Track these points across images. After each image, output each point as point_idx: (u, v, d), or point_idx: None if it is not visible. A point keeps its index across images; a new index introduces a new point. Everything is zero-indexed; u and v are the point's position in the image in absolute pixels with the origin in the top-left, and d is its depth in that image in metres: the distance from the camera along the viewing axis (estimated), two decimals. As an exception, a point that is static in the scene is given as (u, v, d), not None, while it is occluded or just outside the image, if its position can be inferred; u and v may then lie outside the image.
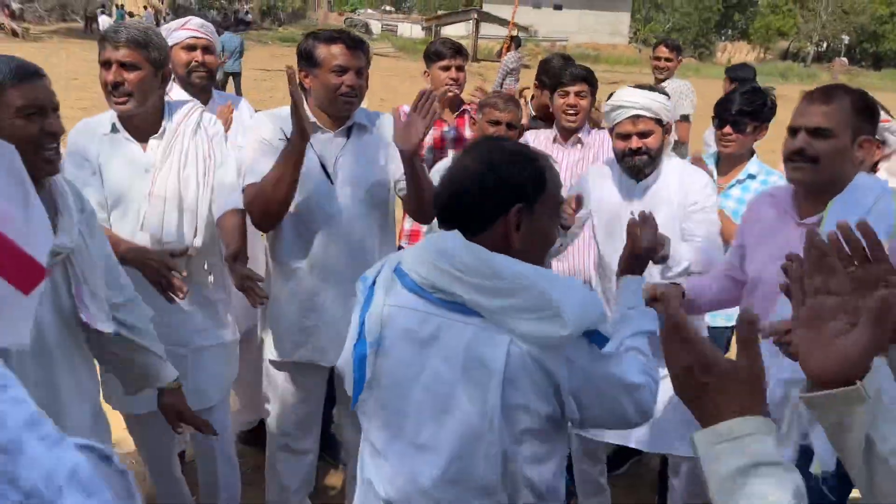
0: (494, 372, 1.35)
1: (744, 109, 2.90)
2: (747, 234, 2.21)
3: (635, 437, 2.56)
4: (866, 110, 1.91)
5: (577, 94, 3.19)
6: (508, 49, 13.35)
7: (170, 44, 2.77)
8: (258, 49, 29.92)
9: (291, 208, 2.36)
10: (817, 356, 0.99)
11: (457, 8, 54.84)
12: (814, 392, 0.98)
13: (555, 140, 3.28)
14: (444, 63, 3.40)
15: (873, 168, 2.67)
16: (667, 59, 5.17)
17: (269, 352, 2.59)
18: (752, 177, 2.96)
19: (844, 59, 48.82)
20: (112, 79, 2.23)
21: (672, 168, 2.60)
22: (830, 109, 1.89)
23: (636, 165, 2.57)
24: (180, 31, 2.98)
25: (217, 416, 2.48)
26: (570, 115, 3.20)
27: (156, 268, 2.14)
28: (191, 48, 2.97)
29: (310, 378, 2.60)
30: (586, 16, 50.83)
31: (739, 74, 5.23)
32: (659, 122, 2.53)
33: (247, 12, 41.44)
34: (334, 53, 2.34)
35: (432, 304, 1.42)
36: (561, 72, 3.29)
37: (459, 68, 3.40)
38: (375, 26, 47.49)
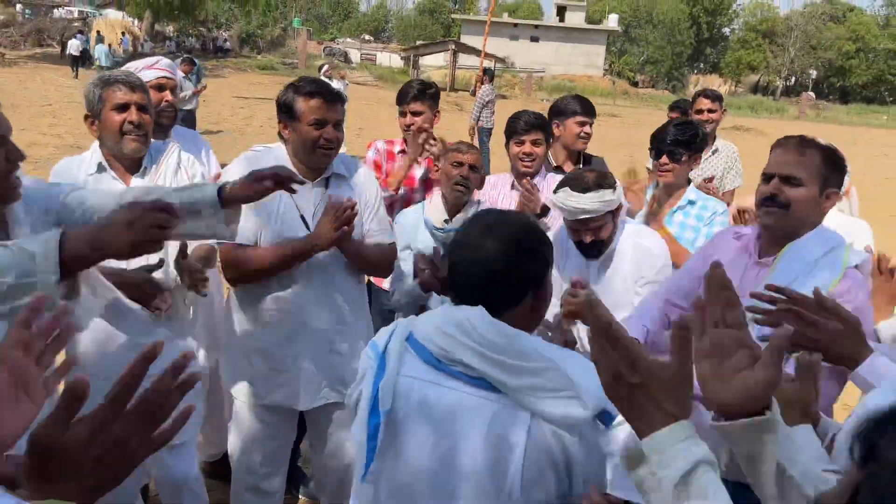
0: (516, 447, 1.35)
1: (678, 140, 3.05)
2: (715, 254, 2.25)
3: None
4: (835, 165, 2.01)
5: (533, 142, 3.24)
6: (481, 83, 13.53)
7: None
8: (237, 77, 30.01)
9: None
10: (720, 388, 1.05)
11: (435, 38, 55.61)
12: (721, 422, 1.05)
13: (513, 186, 3.31)
14: (401, 108, 3.46)
15: None
16: (710, 111, 4.67)
17: (240, 394, 2.58)
18: (691, 203, 3.09)
19: (812, 94, 50.13)
20: (136, 119, 2.35)
21: (627, 236, 2.63)
22: (804, 160, 1.99)
23: (587, 252, 2.61)
24: (149, 71, 3.00)
25: (187, 453, 2.46)
26: (527, 162, 3.24)
27: (135, 283, 2.15)
28: (160, 88, 3.01)
29: (280, 417, 2.59)
30: (563, 48, 51.75)
31: (680, 104, 5.60)
32: (610, 212, 2.53)
33: (225, 40, 41.58)
34: (313, 107, 2.38)
35: (450, 377, 1.41)
36: (516, 121, 3.32)
37: (415, 113, 3.41)
38: (354, 55, 47.86)
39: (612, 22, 53.72)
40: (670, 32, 59.06)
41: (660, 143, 3.07)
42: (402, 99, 3.48)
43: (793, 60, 59.85)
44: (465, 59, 38.42)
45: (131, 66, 2.99)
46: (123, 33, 34.76)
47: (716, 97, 4.73)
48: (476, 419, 1.38)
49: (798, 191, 1.98)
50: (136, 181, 2.42)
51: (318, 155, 2.42)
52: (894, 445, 0.58)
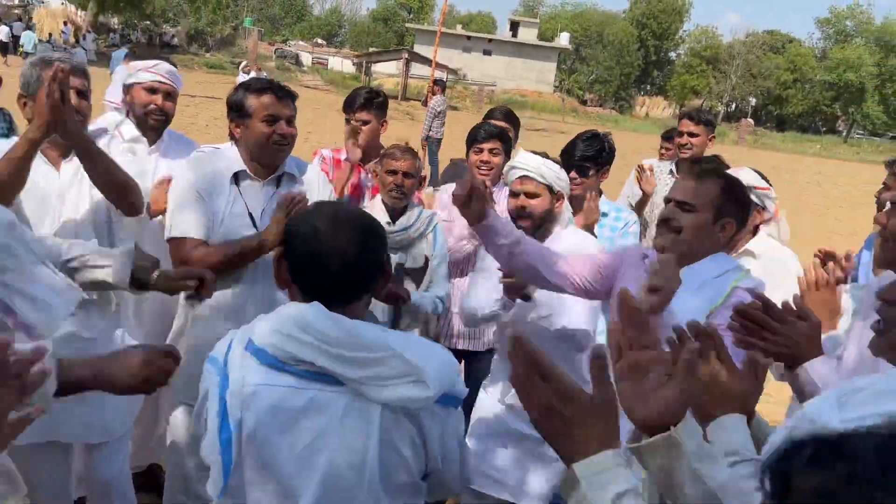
0: (370, 437, 1.38)
1: (586, 155, 3.13)
2: (622, 266, 2.28)
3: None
4: (733, 195, 2.05)
5: (491, 150, 3.29)
6: (433, 93, 13.56)
7: (131, 81, 2.96)
8: (183, 74, 29.28)
9: None
10: (640, 406, 1.11)
11: (388, 46, 55.62)
12: (635, 443, 1.11)
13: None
14: (347, 116, 3.46)
15: (754, 231, 2.87)
16: (690, 135, 4.04)
17: (175, 394, 2.53)
18: (605, 214, 3.19)
19: (751, 121, 52.00)
20: (75, 103, 2.29)
21: (567, 235, 2.70)
22: (700, 188, 2.03)
23: (521, 228, 2.63)
24: (145, 73, 3.01)
25: (116, 452, 2.37)
26: (483, 171, 3.29)
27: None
28: (152, 91, 3.00)
29: None
30: (514, 63, 52.39)
31: (673, 134, 5.22)
32: (549, 189, 2.63)
33: (173, 36, 40.71)
34: (265, 103, 2.39)
35: (296, 377, 1.41)
36: (477, 130, 3.37)
37: (364, 122, 3.42)
38: (306, 58, 47.46)
39: (563, 40, 54.66)
40: (619, 53, 60.47)
41: (569, 158, 3.13)
42: (349, 106, 3.47)
43: (734, 87, 61.99)
44: (417, 69, 38.49)
45: (132, 65, 3.06)
46: (65, 23, 33.68)
47: (701, 121, 4.08)
48: (328, 414, 1.40)
49: (690, 217, 2.01)
50: (66, 166, 2.38)
51: (273, 151, 2.42)
52: (809, 474, 0.56)
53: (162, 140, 3.08)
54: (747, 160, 4.23)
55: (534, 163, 2.64)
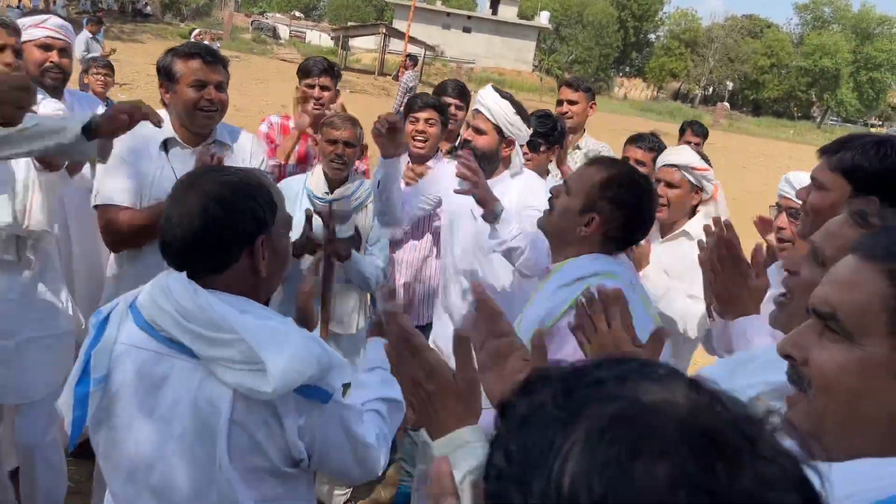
0: (222, 412, 1.33)
1: (537, 131, 3.13)
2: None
3: None
4: (612, 192, 1.85)
5: (426, 121, 3.24)
6: (405, 68, 13.47)
7: (23, 39, 2.73)
8: (156, 44, 28.73)
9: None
10: (501, 390, 1.15)
11: (367, 21, 54.92)
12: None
13: (407, 164, 3.33)
14: (308, 81, 3.40)
15: (692, 212, 2.89)
16: (570, 102, 3.91)
17: None
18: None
19: (727, 104, 52.33)
20: (10, 61, 2.32)
21: (517, 181, 2.76)
22: (583, 172, 1.94)
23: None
24: (36, 29, 2.86)
25: (38, 415, 2.35)
26: (419, 141, 3.26)
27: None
28: (46, 48, 2.88)
29: None
30: (493, 41, 52.05)
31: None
32: (499, 130, 2.70)
33: (146, 4, 39.79)
34: (192, 68, 2.35)
35: (162, 343, 1.38)
36: (414, 99, 3.33)
37: (324, 87, 3.40)
38: (283, 31, 46.71)
39: (543, 19, 54.35)
40: (599, 34, 60.30)
41: None
42: (306, 73, 3.43)
43: (712, 71, 62.22)
44: (396, 44, 38.10)
45: (22, 22, 2.85)
46: (34, -12, 32.72)
47: (580, 88, 3.94)
48: (184, 386, 1.37)
49: (563, 199, 1.90)
50: None
51: (199, 117, 2.39)
52: (518, 403, 0.57)
53: (64, 100, 2.96)
54: (722, 143, 4.34)
55: (490, 100, 2.68)
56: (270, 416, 1.35)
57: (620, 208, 1.84)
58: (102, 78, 7.02)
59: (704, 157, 2.92)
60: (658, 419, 0.50)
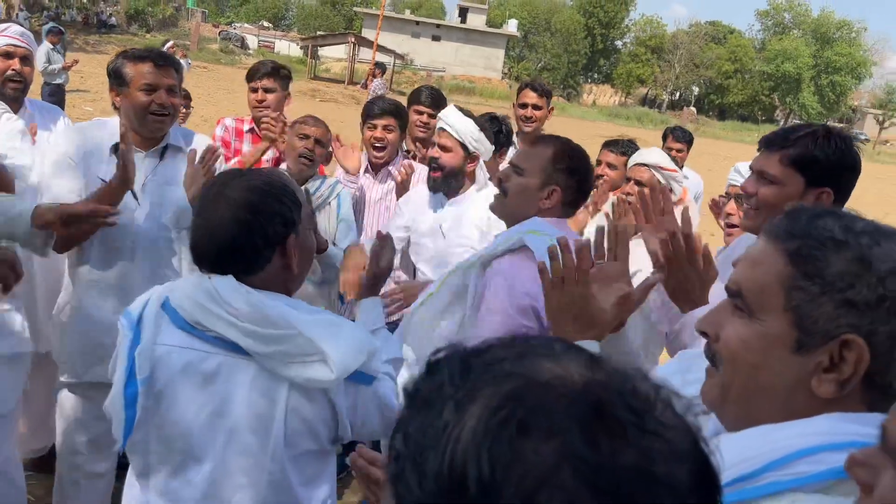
0: (278, 403, 1.41)
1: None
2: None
3: None
4: (565, 164, 1.99)
5: (385, 127, 3.23)
6: (373, 76, 13.49)
7: None
8: (121, 54, 28.40)
9: None
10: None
11: (336, 30, 54.86)
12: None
13: (366, 170, 3.35)
14: (252, 84, 3.40)
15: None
16: (535, 107, 3.97)
17: (63, 372, 2.49)
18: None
19: (693, 109, 53.15)
20: None
21: (483, 194, 2.77)
22: (532, 152, 2.04)
23: (433, 180, 2.82)
24: None
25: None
26: (377, 147, 3.25)
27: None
28: (7, 56, 2.86)
29: (105, 396, 2.50)
30: (463, 49, 52.32)
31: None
32: (464, 147, 2.77)
33: (111, 15, 39.33)
34: (142, 72, 2.32)
35: (208, 342, 1.43)
36: (371, 105, 3.33)
37: (267, 89, 3.38)
38: (252, 41, 46.50)
39: (511, 27, 54.79)
40: (566, 41, 60.92)
41: None
42: (252, 75, 3.42)
43: (678, 76, 63.17)
44: (365, 53, 38.11)
45: None
46: (-5, -1, 32.18)
47: (544, 92, 3.97)
48: (238, 380, 1.43)
49: (518, 180, 2.00)
50: None
51: (150, 122, 2.36)
52: (422, 383, 0.57)
53: (25, 109, 2.94)
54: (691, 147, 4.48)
55: (453, 118, 2.76)
56: (324, 400, 1.44)
57: (574, 175, 2.00)
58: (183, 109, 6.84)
59: (674, 160, 2.98)
60: (549, 396, 0.50)
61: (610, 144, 3.49)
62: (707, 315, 1.00)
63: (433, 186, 2.86)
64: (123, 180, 2.15)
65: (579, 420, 0.48)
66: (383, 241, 1.96)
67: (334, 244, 2.88)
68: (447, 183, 2.79)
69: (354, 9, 63.42)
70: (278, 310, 1.40)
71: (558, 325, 1.44)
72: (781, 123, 62.70)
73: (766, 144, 1.77)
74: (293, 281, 1.54)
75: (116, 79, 2.36)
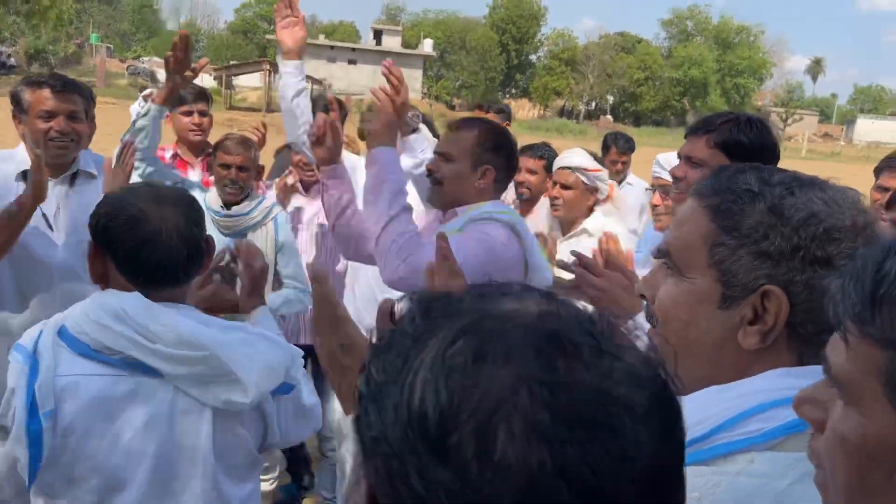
0: (204, 419, 1.38)
1: None
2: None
3: None
4: (490, 143, 2.08)
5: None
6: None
7: None
8: (22, 95, 27.16)
9: (10, 261, 2.23)
10: None
11: (250, 58, 54.06)
12: None
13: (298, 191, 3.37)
14: (185, 108, 3.36)
15: (588, 212, 3.00)
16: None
17: None
18: None
19: (609, 117, 54.76)
20: None
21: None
22: (457, 137, 2.11)
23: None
24: None
25: None
26: (308, 172, 3.20)
27: None
28: None
29: None
30: (380, 71, 52.27)
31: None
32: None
33: (9, 55, 37.60)
34: (41, 97, 2.27)
35: (115, 366, 1.36)
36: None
37: (202, 113, 3.38)
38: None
39: (427, 47, 55.27)
40: (482, 58, 61.94)
41: None
42: (183, 100, 3.35)
43: (592, 87, 65.04)
44: (281, 81, 37.57)
45: None
46: None
47: (499, 110, 4.09)
48: (155, 402, 1.37)
49: (449, 167, 2.07)
50: None
51: (52, 149, 2.25)
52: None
53: None
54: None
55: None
56: (256, 415, 1.46)
57: (501, 152, 2.10)
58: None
59: (598, 159, 3.13)
60: (505, 326, 0.51)
61: (526, 150, 3.50)
62: (645, 278, 1.03)
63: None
64: (37, 194, 2.02)
65: (535, 345, 0.49)
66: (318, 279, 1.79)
67: (276, 271, 2.84)
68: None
69: (267, 36, 62.80)
70: (190, 328, 1.35)
71: None
72: (693, 126, 65.26)
73: (693, 131, 1.87)
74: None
75: (17, 105, 2.29)
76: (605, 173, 3.06)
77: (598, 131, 46.06)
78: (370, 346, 0.57)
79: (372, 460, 0.51)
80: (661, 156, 2.76)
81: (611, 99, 66.47)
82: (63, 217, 2.33)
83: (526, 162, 3.46)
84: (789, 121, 60.74)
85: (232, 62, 49.11)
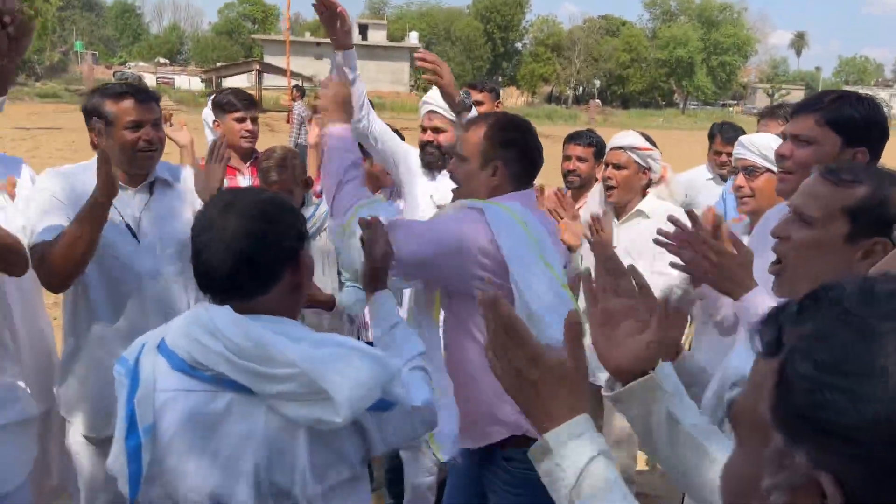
0: (300, 436, 1.31)
1: None
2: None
3: None
4: (499, 138, 2.04)
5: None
6: (293, 100, 13.28)
7: None
8: (14, 106, 27.16)
9: (99, 270, 2.23)
10: (615, 354, 1.13)
11: (236, 59, 53.91)
12: (615, 390, 1.13)
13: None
14: (238, 115, 3.41)
15: (643, 193, 3.00)
16: (477, 103, 3.99)
17: (78, 429, 2.36)
18: None
19: (598, 101, 54.82)
20: None
21: None
22: (466, 136, 2.10)
23: (428, 159, 2.97)
24: None
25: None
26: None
27: None
28: None
29: None
30: (367, 66, 52.25)
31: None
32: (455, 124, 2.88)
33: (-4, 67, 37.43)
34: (126, 108, 2.25)
35: (210, 383, 1.33)
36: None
37: (254, 120, 3.44)
38: (150, 80, 45.08)
39: (413, 39, 55.18)
40: (468, 48, 61.87)
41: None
42: (232, 107, 3.41)
43: (579, 71, 65.06)
44: (271, 80, 37.65)
45: None
46: None
47: (485, 88, 3.71)
48: (250, 419, 1.32)
49: (462, 168, 2.09)
50: None
51: (140, 159, 2.29)
52: (799, 322, 0.60)
53: None
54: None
55: (439, 100, 2.85)
56: (353, 428, 1.35)
57: (511, 147, 2.06)
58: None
59: (649, 139, 3.05)
60: None
61: (574, 137, 3.46)
62: (779, 223, 1.42)
63: (431, 167, 3.01)
64: (108, 189, 2.00)
65: None
66: (371, 227, 1.85)
67: (339, 271, 2.88)
68: (445, 159, 2.87)
69: (252, 36, 62.58)
70: (279, 345, 1.28)
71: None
72: (681, 106, 65.49)
73: (799, 109, 1.84)
74: (300, 300, 1.45)
75: (97, 118, 2.26)
76: (657, 153, 3.01)
77: (587, 115, 46.20)
78: (760, 344, 0.61)
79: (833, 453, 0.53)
80: (745, 138, 2.66)
81: (598, 83, 66.54)
82: (146, 225, 2.33)
83: (574, 150, 3.38)
84: (776, 96, 60.98)
85: (219, 63, 48.99)
